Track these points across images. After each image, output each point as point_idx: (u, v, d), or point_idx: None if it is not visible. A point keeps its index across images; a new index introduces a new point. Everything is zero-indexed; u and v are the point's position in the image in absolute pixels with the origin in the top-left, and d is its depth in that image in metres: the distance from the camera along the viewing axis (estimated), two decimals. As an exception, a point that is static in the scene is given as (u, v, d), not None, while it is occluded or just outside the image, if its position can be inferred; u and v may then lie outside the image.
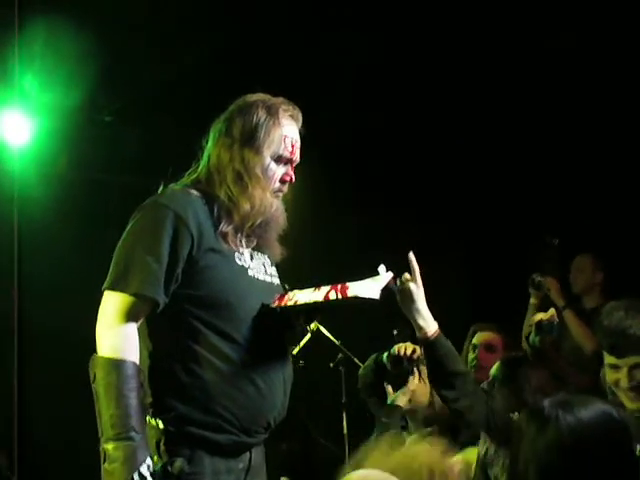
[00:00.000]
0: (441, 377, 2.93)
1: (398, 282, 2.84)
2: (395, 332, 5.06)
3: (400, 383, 3.77)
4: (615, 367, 2.72)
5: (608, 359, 2.75)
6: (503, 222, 6.02)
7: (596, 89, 5.11)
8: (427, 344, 2.89)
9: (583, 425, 1.84)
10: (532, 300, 4.84)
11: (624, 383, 2.70)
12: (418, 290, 2.85)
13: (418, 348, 3.43)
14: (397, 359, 3.67)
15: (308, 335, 4.66)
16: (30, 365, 5.66)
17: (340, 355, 5.01)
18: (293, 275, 2.79)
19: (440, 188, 6.19)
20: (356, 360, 4.84)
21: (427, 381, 3.77)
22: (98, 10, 4.83)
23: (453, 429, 3.59)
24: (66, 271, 5.54)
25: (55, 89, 5.51)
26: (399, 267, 2.84)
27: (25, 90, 5.54)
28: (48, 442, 5.62)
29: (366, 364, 4.01)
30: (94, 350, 2.41)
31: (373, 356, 3.96)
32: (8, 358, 5.57)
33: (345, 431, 4.98)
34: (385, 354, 3.81)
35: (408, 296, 2.84)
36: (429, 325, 2.86)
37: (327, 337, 4.83)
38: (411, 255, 2.83)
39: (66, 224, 5.69)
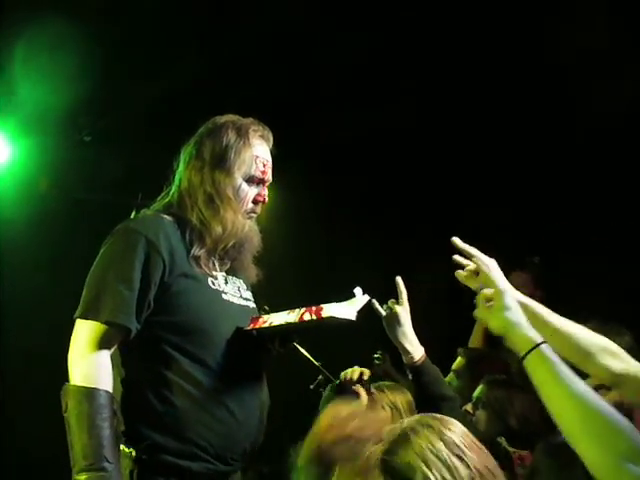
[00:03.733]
0: (428, 402, 2.91)
1: (385, 306, 2.82)
2: (375, 355, 5.04)
3: None
4: None
5: None
6: (487, 237, 5.97)
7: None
8: (414, 369, 2.86)
9: None
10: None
11: None
12: (405, 314, 2.83)
13: (366, 370, 3.42)
14: (341, 386, 3.65)
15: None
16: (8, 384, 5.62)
17: (320, 377, 4.95)
18: (271, 296, 2.76)
19: (419, 205, 6.14)
20: (336, 382, 4.79)
21: (386, 407, 3.77)
22: (79, 31, 4.80)
23: None
24: (46, 291, 5.50)
25: (34, 109, 5.48)
26: (382, 286, 2.81)
27: (3, 110, 5.52)
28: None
29: (324, 397, 3.97)
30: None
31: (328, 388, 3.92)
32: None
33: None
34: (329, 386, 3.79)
35: (395, 320, 2.82)
36: (416, 350, 2.84)
37: (307, 358, 4.77)
38: (398, 279, 2.81)
39: (45, 243, 5.65)
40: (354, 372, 3.64)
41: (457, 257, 2.26)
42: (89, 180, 5.87)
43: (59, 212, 5.81)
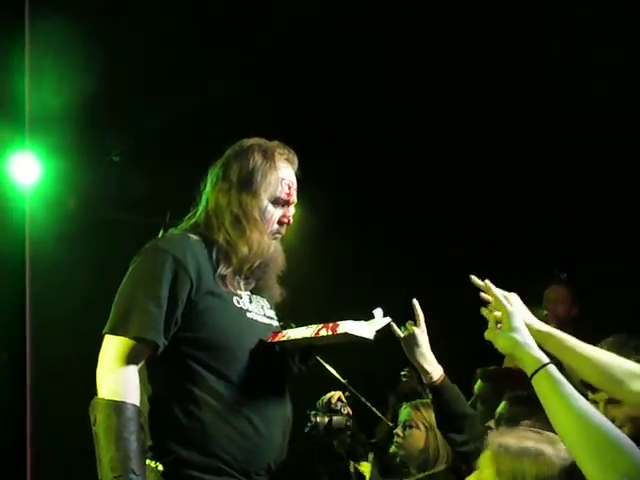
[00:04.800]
0: (448, 420, 2.95)
1: (402, 328, 2.88)
2: (402, 373, 5.09)
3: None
4: (592, 402, 2.73)
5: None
6: (512, 255, 5.99)
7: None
8: (433, 388, 2.92)
9: None
10: None
11: None
12: (422, 335, 2.90)
13: (339, 393, 3.53)
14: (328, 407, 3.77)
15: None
16: (43, 405, 5.69)
17: (346, 393, 5.01)
18: (296, 315, 2.82)
19: (446, 222, 6.17)
20: (363, 399, 4.83)
21: (421, 425, 3.87)
22: (105, 52, 4.91)
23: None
24: (77, 308, 5.58)
25: (63, 130, 5.59)
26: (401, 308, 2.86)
27: (34, 132, 5.63)
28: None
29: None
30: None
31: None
32: (20, 400, 5.60)
33: (352, 470, 4.97)
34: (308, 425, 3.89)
35: (413, 341, 2.88)
36: (434, 370, 2.90)
37: (333, 375, 4.83)
38: (415, 301, 2.88)
39: (75, 262, 5.74)
40: (333, 397, 3.82)
41: (483, 295, 2.32)
42: (117, 200, 5.97)
43: (88, 231, 5.91)
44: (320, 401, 3.91)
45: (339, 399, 3.92)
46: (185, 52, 4.99)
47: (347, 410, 3.94)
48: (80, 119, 5.49)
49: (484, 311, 2.29)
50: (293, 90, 5.29)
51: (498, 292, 2.26)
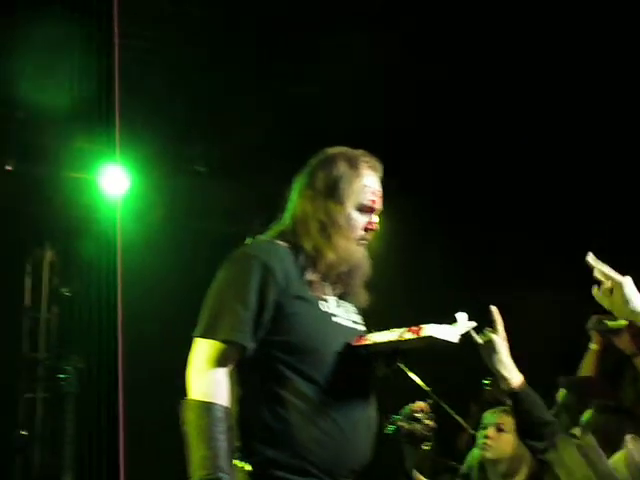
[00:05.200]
0: (528, 428, 2.95)
1: (481, 335, 2.89)
2: (485, 382, 5.05)
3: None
4: None
5: None
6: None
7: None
8: (512, 395, 2.92)
9: None
10: (593, 345, 4.32)
11: None
12: (501, 342, 2.89)
13: (424, 404, 3.52)
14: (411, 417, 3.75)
15: None
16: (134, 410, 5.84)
17: (430, 401, 5.00)
18: (380, 321, 2.86)
19: (529, 227, 6.13)
20: (446, 407, 4.83)
21: (511, 431, 3.83)
22: (192, 67, 5.05)
23: None
24: (165, 313, 5.73)
25: (151, 143, 5.77)
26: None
27: (124, 145, 5.82)
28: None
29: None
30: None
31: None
32: (113, 405, 5.75)
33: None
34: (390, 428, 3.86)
35: (491, 348, 2.89)
36: (513, 377, 2.90)
37: (415, 382, 4.84)
38: (493, 308, 2.89)
39: (164, 269, 5.89)
40: (419, 405, 3.80)
41: (596, 274, 2.40)
42: (202, 209, 6.11)
43: (174, 240, 6.07)
44: (404, 409, 3.92)
45: (422, 410, 3.93)
46: (268, 68, 5.09)
47: (429, 422, 3.95)
48: (167, 132, 5.65)
49: (594, 291, 2.35)
50: (373, 99, 5.34)
51: (615, 275, 2.29)
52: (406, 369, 4.73)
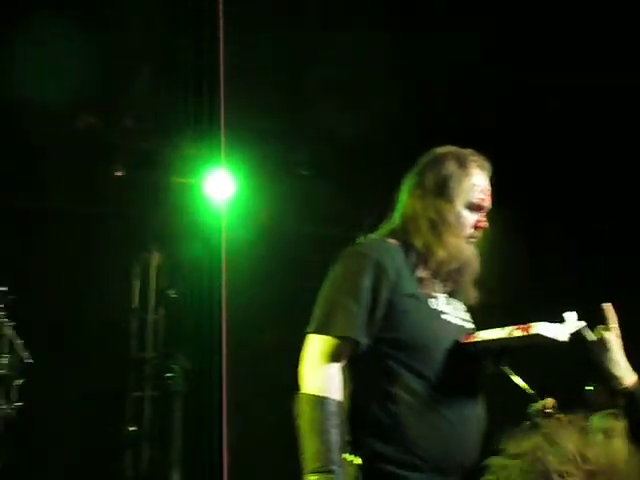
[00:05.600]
0: None
1: (593, 332, 2.86)
2: (589, 388, 4.96)
3: None
4: None
5: None
6: None
7: None
8: (626, 395, 2.87)
9: None
10: None
11: None
12: (615, 340, 2.84)
13: (554, 400, 3.45)
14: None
15: None
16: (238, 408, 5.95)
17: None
18: (488, 320, 2.88)
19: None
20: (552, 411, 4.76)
21: (622, 436, 3.75)
22: (296, 69, 5.12)
23: None
24: (270, 314, 5.83)
25: (256, 147, 5.89)
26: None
27: (229, 150, 5.95)
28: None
29: None
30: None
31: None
32: (218, 404, 5.87)
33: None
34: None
35: (603, 346, 2.85)
36: (625, 375, 2.84)
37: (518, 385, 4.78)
38: (606, 305, 2.85)
39: (269, 271, 6.00)
40: (549, 401, 3.72)
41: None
42: (307, 213, 6.20)
43: (279, 243, 6.17)
44: (534, 405, 3.85)
45: (553, 406, 3.86)
46: (373, 67, 5.14)
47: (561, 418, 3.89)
48: (271, 136, 5.76)
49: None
50: (483, 99, 5.33)
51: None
52: (510, 372, 4.70)
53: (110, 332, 6.70)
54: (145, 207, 6.54)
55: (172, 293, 6.62)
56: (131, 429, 6.70)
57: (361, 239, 2.77)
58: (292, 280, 5.75)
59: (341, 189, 6.07)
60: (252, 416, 5.83)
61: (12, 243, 5.81)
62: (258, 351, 5.81)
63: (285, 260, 6.08)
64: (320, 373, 2.54)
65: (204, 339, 6.06)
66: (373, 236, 2.78)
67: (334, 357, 2.55)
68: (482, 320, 2.87)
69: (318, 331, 2.58)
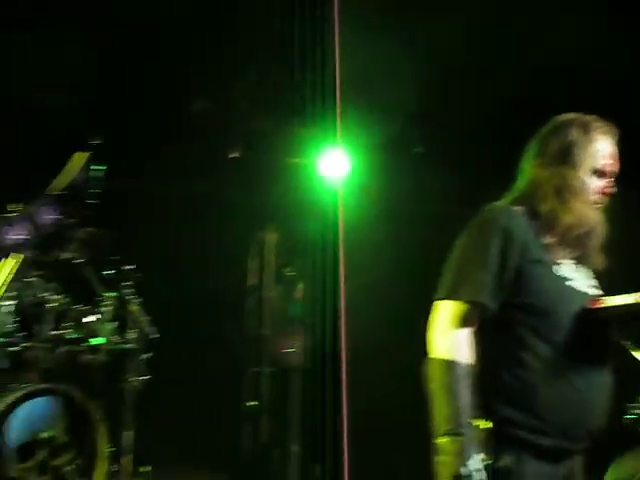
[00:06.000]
0: None
1: None
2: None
3: None
4: None
5: None
6: None
7: None
8: None
9: None
10: None
11: None
12: None
13: None
14: None
15: None
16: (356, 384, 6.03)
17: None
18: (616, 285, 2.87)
19: None
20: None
21: None
22: (415, 50, 5.14)
23: None
24: (387, 294, 5.88)
25: (371, 126, 5.94)
26: None
27: (344, 129, 6.03)
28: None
29: None
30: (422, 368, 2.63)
31: None
32: (337, 380, 5.96)
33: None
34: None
35: None
36: None
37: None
38: None
39: (385, 251, 6.05)
40: None
41: None
42: (422, 192, 6.23)
43: (395, 223, 6.22)
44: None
45: None
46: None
47: None
48: (386, 114, 5.80)
49: None
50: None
51: None
52: (633, 348, 4.60)
53: (228, 310, 6.88)
54: (261, 187, 6.68)
55: (288, 271, 6.75)
56: (250, 404, 6.86)
57: (488, 207, 2.80)
58: (408, 258, 5.78)
59: (456, 167, 6.06)
60: (371, 393, 5.90)
61: (138, 225, 6.02)
62: (375, 327, 5.87)
63: (401, 238, 6.11)
64: (450, 337, 2.59)
65: (321, 316, 6.15)
66: (499, 204, 2.82)
67: (463, 322, 2.60)
68: (609, 286, 2.87)
69: (447, 297, 2.64)
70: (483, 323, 2.64)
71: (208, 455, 6.25)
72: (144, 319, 5.68)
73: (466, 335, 2.60)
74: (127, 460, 5.46)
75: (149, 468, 5.44)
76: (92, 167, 1.93)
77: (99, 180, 1.93)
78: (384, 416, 5.49)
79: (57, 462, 4.75)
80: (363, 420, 6.05)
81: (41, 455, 4.72)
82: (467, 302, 2.60)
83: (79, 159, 2.02)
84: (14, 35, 5.47)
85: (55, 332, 5.19)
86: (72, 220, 1.93)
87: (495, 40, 5.35)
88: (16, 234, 1.91)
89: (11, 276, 2.78)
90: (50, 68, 5.65)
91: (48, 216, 1.98)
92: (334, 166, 6.19)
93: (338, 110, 5.78)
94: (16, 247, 1.86)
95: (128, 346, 5.56)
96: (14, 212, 1.88)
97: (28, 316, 5.03)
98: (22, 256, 2.77)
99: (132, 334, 5.60)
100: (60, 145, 4.84)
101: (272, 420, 6.72)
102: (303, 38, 5.75)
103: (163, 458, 6.06)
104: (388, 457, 5.78)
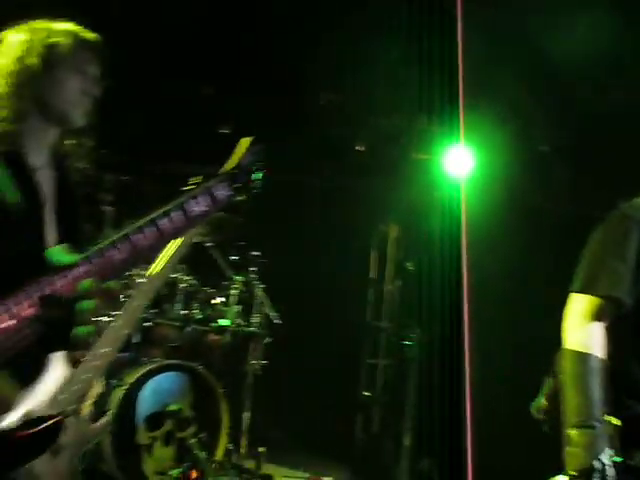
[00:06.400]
0: None
1: None
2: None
3: None
4: None
5: None
6: None
7: None
8: None
9: None
10: None
11: None
12: None
13: None
14: None
15: None
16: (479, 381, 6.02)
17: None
18: None
19: None
20: None
21: None
22: (533, 44, 5.10)
23: None
24: (510, 291, 5.86)
25: (495, 124, 5.94)
26: None
27: (468, 126, 6.04)
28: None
29: None
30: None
31: None
32: (457, 376, 5.95)
33: None
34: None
35: None
36: None
37: None
38: None
39: (508, 248, 6.02)
40: None
41: None
42: (547, 190, 6.19)
43: (519, 220, 6.18)
44: None
45: None
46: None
47: None
48: (510, 112, 5.78)
49: None
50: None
51: None
52: None
53: (348, 301, 6.99)
54: (385, 181, 6.75)
55: (409, 265, 6.80)
56: (365, 394, 6.97)
57: (627, 202, 2.80)
58: (531, 256, 5.75)
59: (579, 166, 6.00)
60: (491, 388, 5.87)
61: (267, 213, 6.17)
62: (499, 326, 5.84)
63: (523, 235, 6.07)
64: (583, 330, 2.60)
65: (442, 311, 6.16)
66: (637, 199, 2.81)
67: (598, 316, 2.61)
68: None
69: (583, 290, 2.64)
70: (619, 317, 2.64)
71: (321, 441, 6.36)
72: (268, 304, 5.84)
73: (600, 329, 2.60)
74: (243, 440, 5.65)
75: (264, 449, 5.60)
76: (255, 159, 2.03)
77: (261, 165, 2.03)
78: (507, 417, 5.42)
79: (182, 434, 4.96)
80: (486, 419, 6.01)
81: (168, 426, 4.94)
82: (603, 297, 2.61)
83: (245, 143, 2.12)
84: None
85: (184, 311, 5.42)
86: (242, 197, 2.03)
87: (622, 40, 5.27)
88: (200, 207, 2.02)
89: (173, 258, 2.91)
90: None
91: (224, 192, 2.08)
92: (458, 163, 6.22)
93: (462, 108, 5.79)
94: (199, 219, 1.97)
95: (252, 329, 5.74)
96: (196, 184, 1.99)
97: (160, 295, 5.26)
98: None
99: (256, 318, 5.78)
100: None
101: (386, 412, 6.79)
102: (427, 34, 5.77)
103: (276, 441, 6.21)
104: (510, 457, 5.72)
